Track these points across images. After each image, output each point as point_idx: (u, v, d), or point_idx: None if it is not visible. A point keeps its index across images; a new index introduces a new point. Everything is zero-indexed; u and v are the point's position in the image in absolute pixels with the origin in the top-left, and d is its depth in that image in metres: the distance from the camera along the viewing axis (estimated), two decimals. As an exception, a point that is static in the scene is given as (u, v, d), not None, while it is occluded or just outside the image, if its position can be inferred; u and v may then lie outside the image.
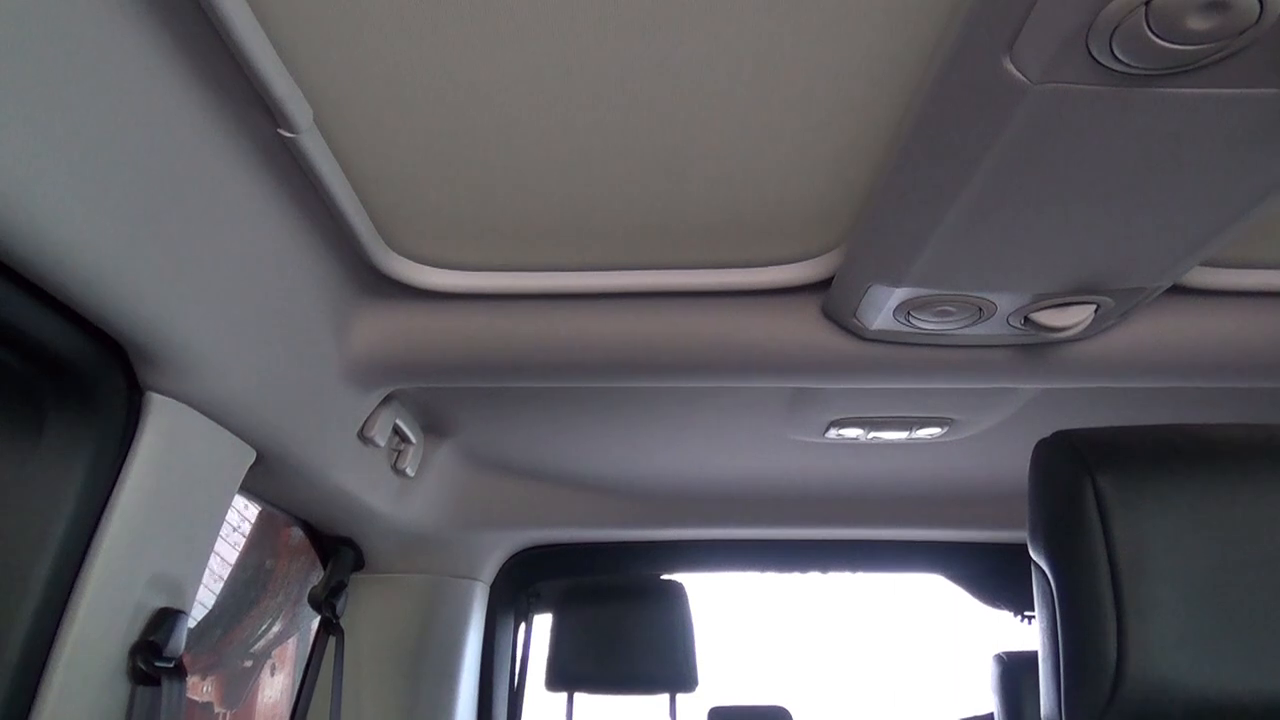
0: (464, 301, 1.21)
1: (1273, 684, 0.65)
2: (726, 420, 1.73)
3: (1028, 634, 2.57)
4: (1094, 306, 1.10)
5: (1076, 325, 1.12)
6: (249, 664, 3.16)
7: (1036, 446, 0.77)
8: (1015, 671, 2.12)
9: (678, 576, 2.17)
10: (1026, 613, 2.56)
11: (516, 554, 2.43)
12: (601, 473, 2.07)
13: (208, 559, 1.19)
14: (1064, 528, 0.71)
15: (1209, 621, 0.66)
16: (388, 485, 1.65)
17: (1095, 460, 0.71)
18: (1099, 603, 0.68)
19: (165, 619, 1.05)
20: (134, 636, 1.02)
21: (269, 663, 3.42)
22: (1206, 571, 0.67)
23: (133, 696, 1.02)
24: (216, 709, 3.12)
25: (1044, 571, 0.74)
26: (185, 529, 1.09)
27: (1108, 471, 0.70)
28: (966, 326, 1.16)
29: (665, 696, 2.05)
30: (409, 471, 1.66)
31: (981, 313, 1.12)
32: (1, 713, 0.89)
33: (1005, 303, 1.09)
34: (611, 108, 0.86)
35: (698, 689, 2.02)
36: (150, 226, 0.83)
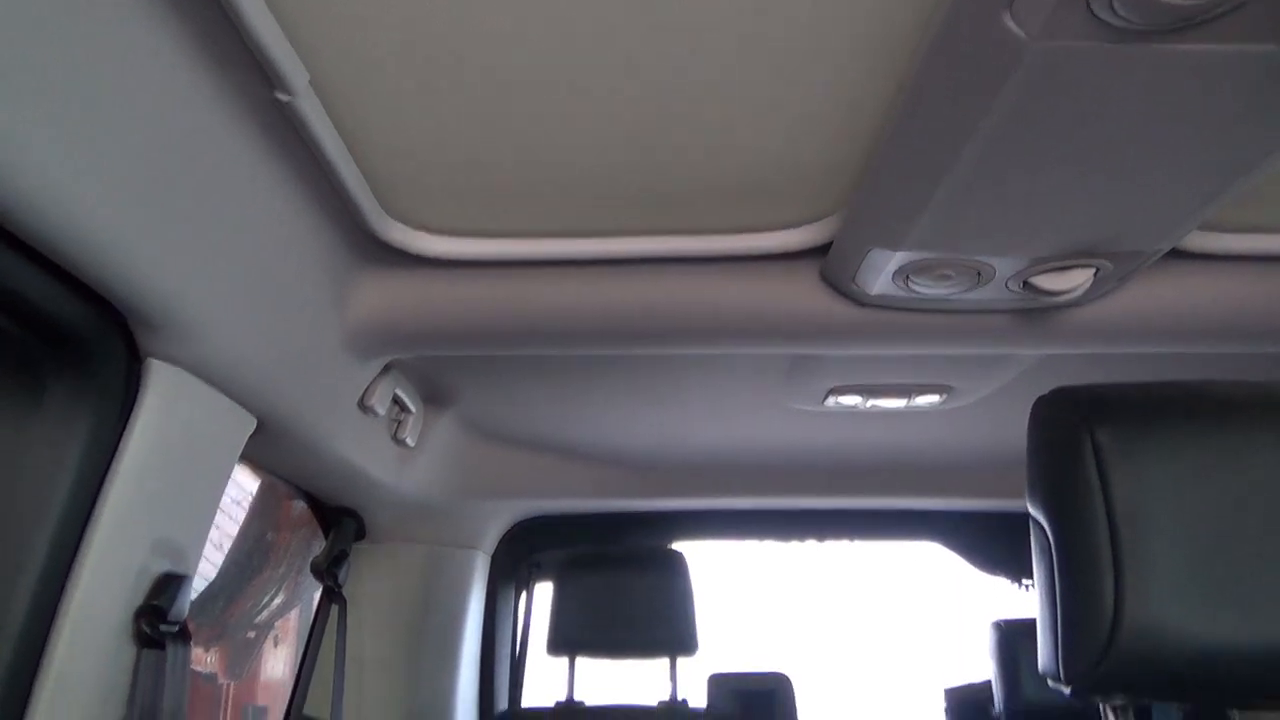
0: (462, 269, 1.21)
1: (1266, 633, 0.66)
2: (726, 389, 1.73)
3: (1025, 602, 2.59)
4: (1093, 270, 1.10)
5: (1075, 289, 1.12)
6: (252, 635, 3.19)
7: (1036, 403, 0.78)
8: (1013, 638, 2.15)
9: (677, 546, 2.19)
10: (1024, 580, 2.58)
11: (517, 524, 2.44)
12: (601, 443, 2.08)
13: (210, 525, 1.20)
14: (1063, 482, 0.72)
15: (1205, 572, 0.67)
16: (388, 455, 1.66)
17: (1094, 415, 0.72)
18: (1097, 555, 0.69)
19: (169, 583, 1.06)
20: (138, 600, 1.02)
21: (272, 635, 3.45)
22: (1203, 523, 0.68)
23: (138, 659, 1.03)
24: (220, 679, 3.15)
25: (1042, 526, 0.74)
26: (187, 495, 1.09)
27: (1106, 426, 0.71)
28: (965, 291, 1.16)
29: (666, 661, 2.06)
30: (409, 441, 1.66)
31: (980, 277, 1.12)
32: (9, 676, 0.90)
33: (1004, 266, 1.09)
34: (609, 71, 0.86)
35: (698, 654, 2.03)
36: (147, 191, 0.82)
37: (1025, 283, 1.13)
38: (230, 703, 3.17)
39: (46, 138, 0.71)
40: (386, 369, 1.47)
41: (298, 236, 1.08)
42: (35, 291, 0.84)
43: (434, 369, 1.63)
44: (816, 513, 2.50)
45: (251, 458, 1.40)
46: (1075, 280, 1.11)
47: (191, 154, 0.86)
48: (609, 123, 0.94)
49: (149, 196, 0.83)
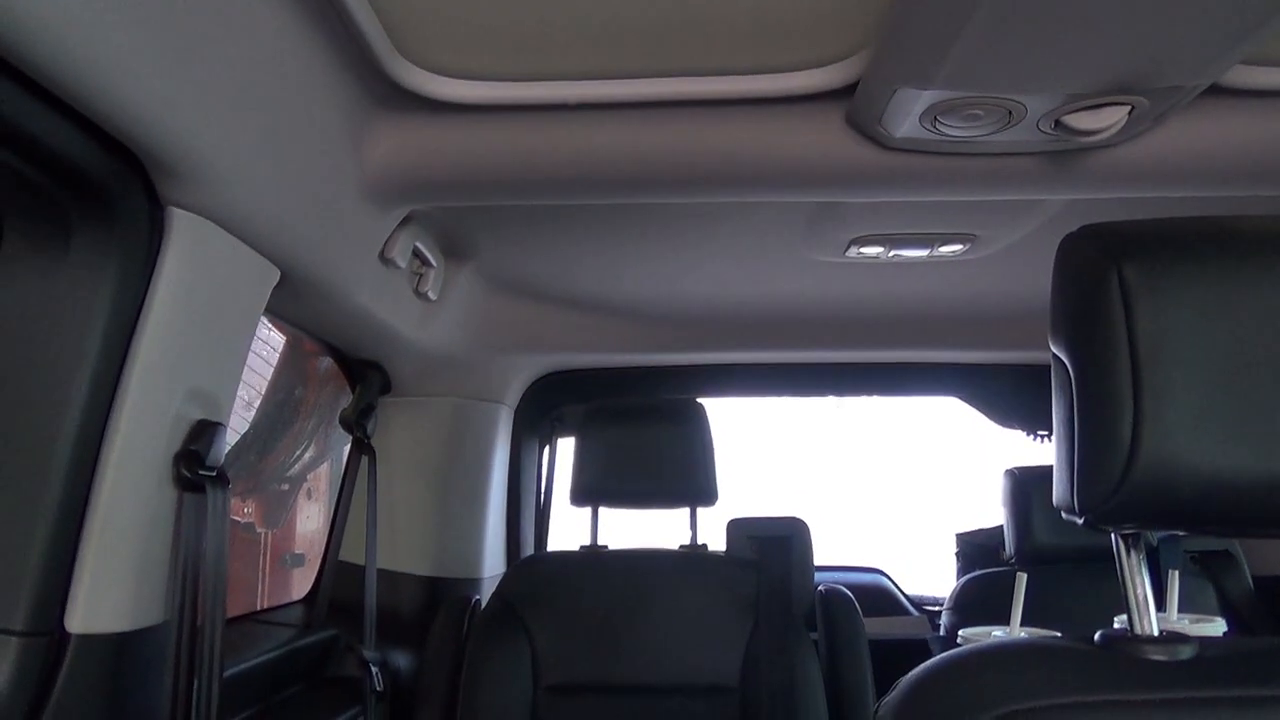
0: (479, 114, 1.19)
1: (1276, 466, 0.67)
2: (746, 240, 1.72)
3: (1036, 454, 2.64)
4: (1128, 108, 1.07)
5: (1110, 128, 1.08)
6: (285, 487, 3.30)
7: (1063, 241, 0.77)
8: (1025, 485, 2.19)
9: (697, 399, 2.22)
10: (1039, 431, 2.61)
11: (539, 378, 2.48)
12: (621, 297, 2.08)
13: (240, 375, 1.22)
14: (1087, 316, 0.71)
15: (1224, 404, 0.67)
16: (410, 308, 1.67)
17: (1121, 249, 0.71)
18: (1117, 386, 0.69)
19: (204, 430, 1.09)
20: (176, 445, 1.06)
21: (305, 488, 3.57)
22: (1225, 357, 0.68)
23: (180, 502, 1.08)
24: (258, 529, 3.28)
25: (1064, 364, 0.74)
26: (216, 344, 1.11)
27: (1133, 260, 0.70)
28: (995, 133, 1.13)
29: (686, 511, 2.13)
30: (431, 295, 1.67)
31: (1011, 116, 1.09)
32: (59, 521, 0.94)
33: (1036, 105, 1.06)
34: None
35: (717, 504, 2.09)
36: (159, 31, 0.80)
37: (1057, 122, 1.10)
38: (270, 551, 3.31)
39: None
40: (406, 221, 1.46)
41: (312, 81, 1.06)
42: (54, 137, 0.84)
43: (454, 221, 1.62)
44: (836, 367, 2.52)
45: (276, 310, 1.41)
46: (1110, 119, 1.07)
47: None
48: None
49: (160, 38, 0.81)
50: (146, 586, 1.03)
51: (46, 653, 0.93)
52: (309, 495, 3.60)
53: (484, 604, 1.96)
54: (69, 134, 0.84)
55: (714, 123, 1.19)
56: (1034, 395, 2.48)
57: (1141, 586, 0.78)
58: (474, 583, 2.22)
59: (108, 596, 0.98)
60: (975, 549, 2.61)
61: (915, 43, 0.97)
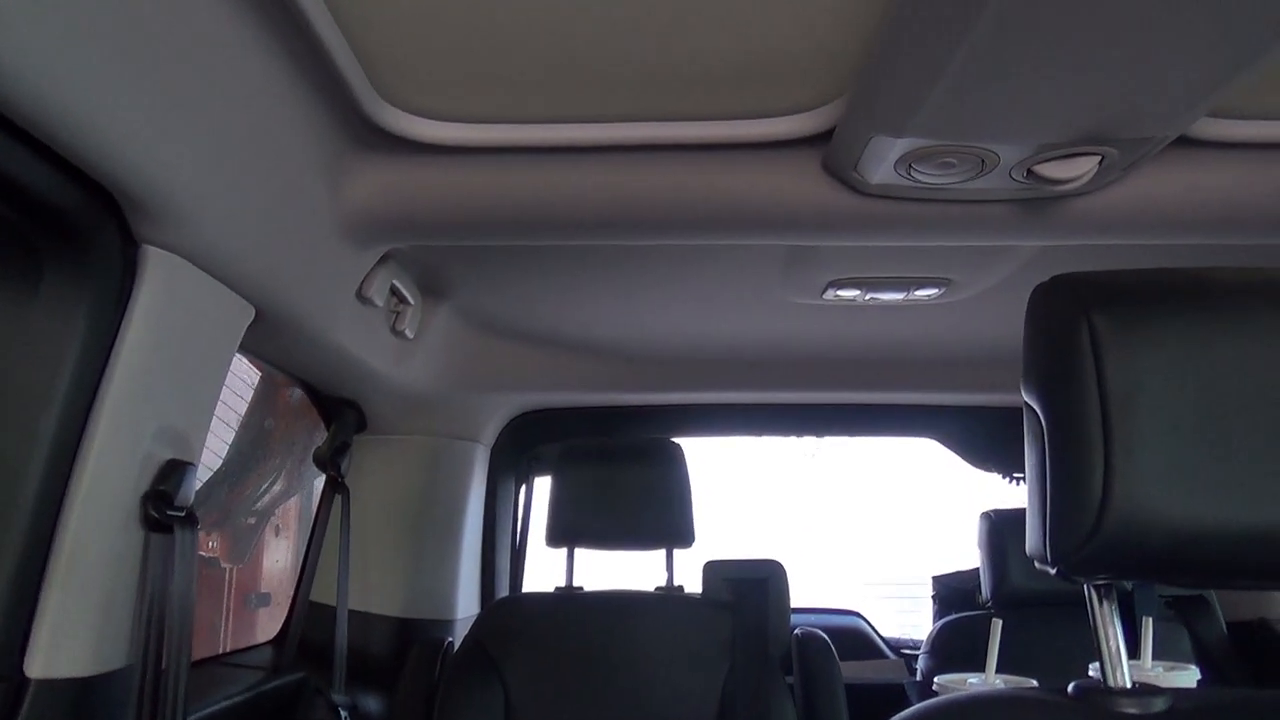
0: (458, 155, 1.19)
1: (1249, 516, 0.67)
2: (724, 281, 1.73)
3: (1012, 496, 2.64)
4: (1099, 158, 1.09)
5: (1080, 177, 1.10)
6: (252, 521, 3.26)
7: (1034, 290, 0.78)
8: (1001, 528, 2.19)
9: (674, 440, 2.22)
10: (1014, 474, 2.62)
11: (516, 417, 2.47)
12: (599, 336, 2.08)
13: (211, 414, 1.21)
14: (1058, 365, 0.72)
15: (1195, 456, 0.68)
16: (387, 346, 1.66)
17: (1091, 299, 0.72)
18: (1088, 436, 0.69)
19: (174, 470, 1.07)
20: (144, 485, 1.04)
21: (273, 524, 3.53)
22: (1195, 407, 0.68)
23: (147, 543, 1.06)
24: (222, 564, 3.23)
25: (1035, 412, 0.75)
26: (189, 383, 1.10)
27: (1103, 311, 0.71)
28: (969, 180, 1.15)
29: (662, 551, 2.11)
30: (408, 333, 1.67)
31: (984, 165, 1.10)
32: (22, 561, 0.92)
33: (1008, 154, 1.08)
34: None
35: (694, 545, 2.08)
36: (133, 68, 0.80)
37: (1029, 171, 1.11)
38: (234, 590, 3.25)
39: (31, 16, 0.69)
40: (384, 259, 1.46)
41: (290, 120, 1.06)
42: (27, 174, 0.83)
43: (432, 260, 1.62)
44: (813, 407, 2.52)
45: (250, 348, 1.40)
46: (1081, 169, 1.09)
47: (178, 31, 0.84)
48: (608, 3, 0.91)
49: (135, 74, 0.81)
50: (110, 629, 1.01)
51: (5, 698, 0.91)
52: (276, 532, 3.56)
53: (457, 646, 1.93)
54: (43, 171, 0.84)
55: (692, 166, 1.20)
56: (1010, 437, 2.49)
57: (1114, 638, 0.78)
58: (447, 624, 2.19)
59: (70, 640, 0.96)
60: (951, 592, 2.60)
61: (890, 92, 0.99)
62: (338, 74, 1.01)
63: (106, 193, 0.91)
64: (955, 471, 2.66)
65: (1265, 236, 1.25)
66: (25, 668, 0.93)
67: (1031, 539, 0.76)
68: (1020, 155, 1.08)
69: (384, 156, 1.21)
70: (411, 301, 1.64)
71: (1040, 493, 0.74)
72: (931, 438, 2.61)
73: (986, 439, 2.54)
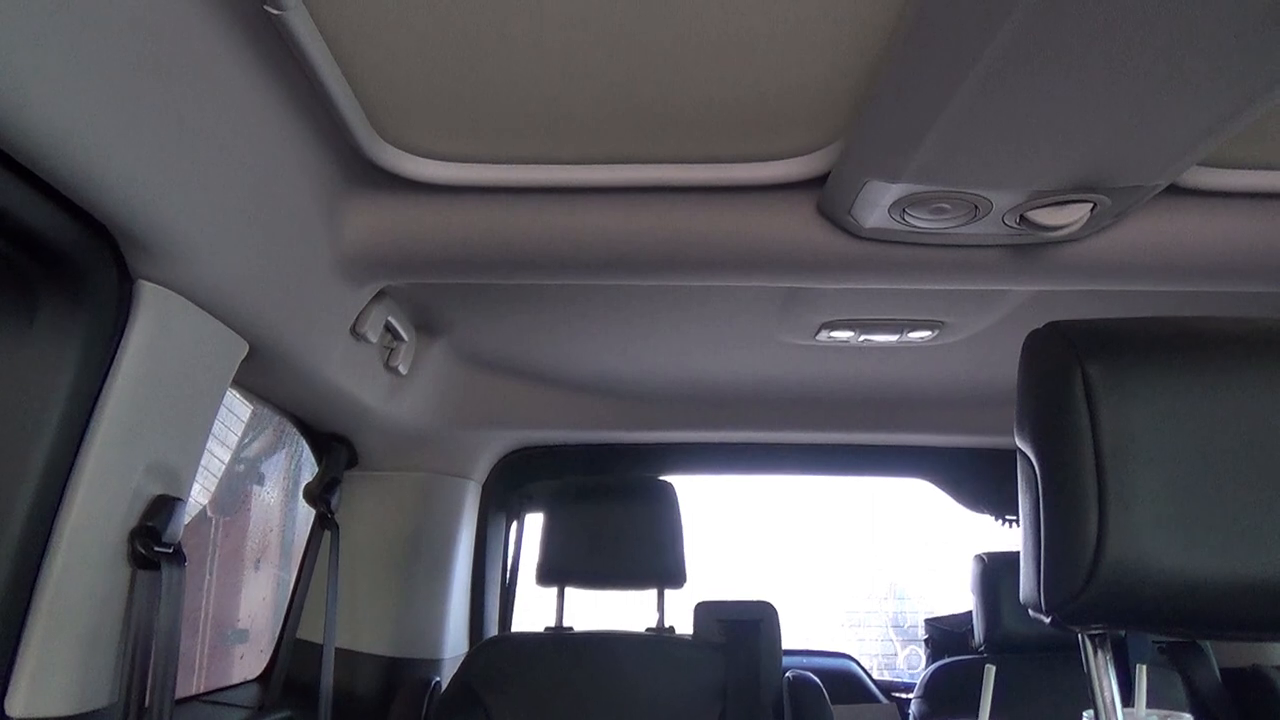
0: (455, 194, 1.20)
1: (1241, 568, 0.67)
2: (718, 321, 1.73)
3: (1006, 538, 2.63)
4: (1090, 205, 1.10)
5: (1072, 224, 1.11)
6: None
7: (1028, 337, 0.78)
8: (995, 571, 2.18)
9: (667, 478, 2.21)
10: (1007, 516, 2.62)
11: (508, 454, 2.46)
12: (593, 374, 2.08)
13: (203, 449, 1.20)
14: (1051, 414, 0.72)
15: (1187, 507, 0.68)
16: (380, 382, 1.66)
17: (1085, 347, 0.72)
18: (1082, 486, 0.69)
19: (163, 505, 1.06)
20: (132, 521, 1.03)
21: (254, 558, 3.49)
22: (1189, 458, 0.68)
23: (133, 580, 1.05)
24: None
25: (1029, 459, 0.75)
26: (180, 418, 1.10)
27: (1097, 359, 0.71)
28: (962, 225, 1.15)
29: (654, 591, 2.10)
30: (401, 369, 1.66)
31: (977, 210, 1.11)
32: (6, 596, 0.91)
33: (1001, 200, 1.09)
34: None
35: (685, 585, 2.06)
36: (134, 107, 0.81)
37: (1022, 217, 1.12)
38: (209, 624, 3.18)
39: (32, 51, 0.69)
40: (379, 296, 1.46)
41: (288, 158, 1.07)
42: (24, 208, 0.83)
43: (427, 297, 1.62)
44: (807, 447, 2.52)
45: (243, 382, 1.40)
46: (1072, 215, 1.10)
47: (179, 69, 0.84)
48: (606, 47, 0.92)
49: (134, 111, 0.81)
50: (94, 667, 1.00)
51: None
52: (257, 566, 3.51)
53: (444, 686, 1.91)
54: (40, 206, 0.84)
55: (688, 208, 1.21)
56: (1002, 480, 2.49)
57: (1108, 688, 0.77)
58: (435, 664, 2.16)
59: (53, 678, 0.95)
60: (945, 635, 2.58)
61: (885, 138, 1.00)
62: (337, 113, 1.01)
63: (103, 228, 0.91)
64: (952, 510, 2.66)
65: (1256, 285, 1.26)
66: (7, 707, 0.91)
67: (1025, 587, 0.76)
68: (1013, 201, 1.09)
69: (381, 195, 1.21)
70: (406, 338, 1.64)
71: (1034, 541, 0.74)
72: (924, 479, 2.60)
73: (979, 481, 2.54)
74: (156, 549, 1.05)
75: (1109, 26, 0.75)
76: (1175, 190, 1.14)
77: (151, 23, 0.79)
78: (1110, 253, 1.22)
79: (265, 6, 0.83)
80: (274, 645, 1.92)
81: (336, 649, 1.83)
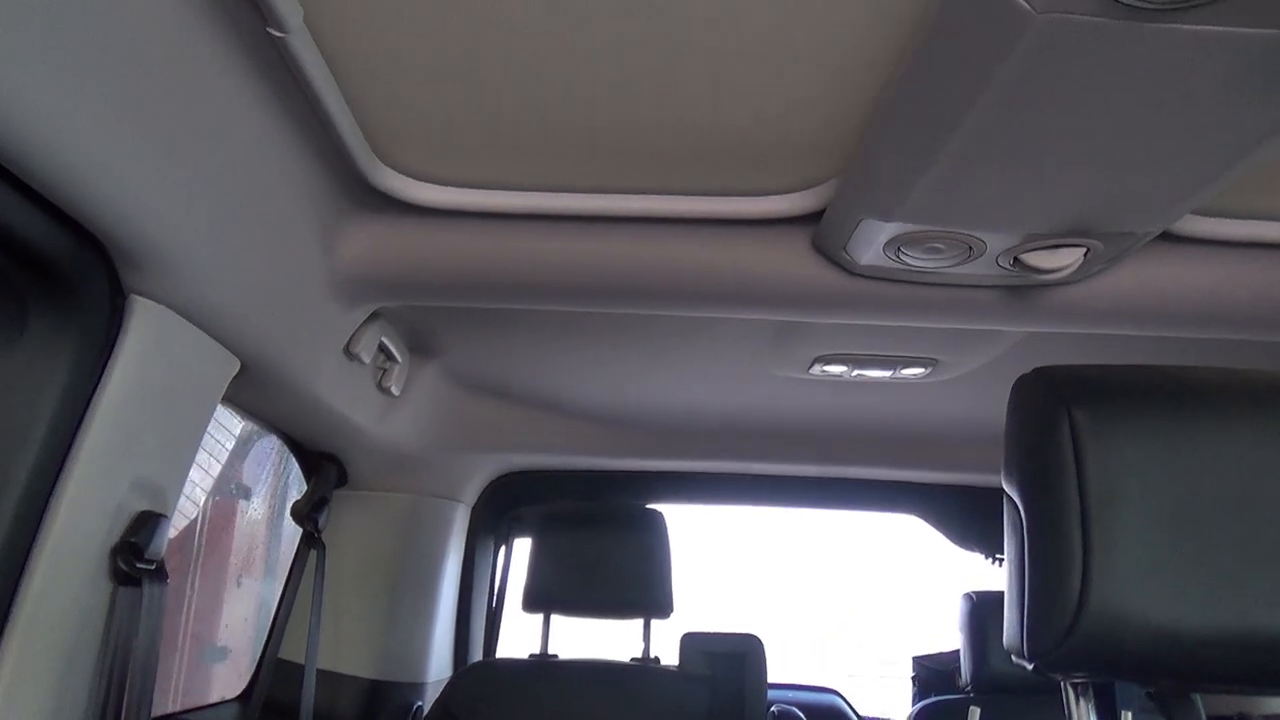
0: (453, 218, 1.20)
1: (1229, 619, 0.67)
2: (711, 352, 1.73)
3: (996, 577, 2.62)
4: (1083, 250, 1.10)
5: (1065, 268, 1.12)
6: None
7: (1016, 382, 0.78)
8: (983, 610, 2.17)
9: (657, 507, 2.20)
10: (997, 555, 2.61)
11: (499, 478, 2.45)
12: (586, 400, 2.08)
13: (190, 466, 1.19)
14: (1038, 460, 0.72)
15: (1172, 557, 0.68)
16: (372, 403, 1.65)
17: (1072, 395, 0.72)
18: (1067, 533, 0.69)
19: (147, 522, 1.06)
20: (115, 537, 1.03)
21: (235, 575, 3.46)
22: (1174, 508, 0.68)
23: (114, 596, 1.04)
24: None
25: (1015, 503, 0.75)
26: (168, 434, 1.09)
27: (1084, 406, 0.71)
28: (956, 265, 1.16)
29: (640, 621, 2.08)
30: (394, 390, 1.66)
31: (971, 251, 1.12)
32: None
33: (995, 242, 1.09)
34: (609, 25, 0.85)
35: (672, 615, 2.05)
36: (133, 122, 0.81)
37: (1016, 259, 1.13)
38: (188, 641, 3.13)
39: (31, 63, 0.69)
40: (373, 316, 1.46)
41: (287, 178, 1.07)
42: (19, 220, 0.83)
43: (421, 319, 1.62)
44: (797, 480, 2.52)
45: (234, 400, 1.39)
46: (1065, 259, 1.11)
47: (179, 86, 0.85)
48: (607, 78, 0.93)
49: (134, 127, 0.81)
50: (71, 684, 0.99)
51: None
52: (238, 583, 3.48)
53: (426, 710, 1.89)
54: (35, 218, 0.84)
55: (684, 240, 1.21)
56: (992, 517, 2.48)
57: None
58: (418, 687, 2.14)
59: (28, 695, 0.93)
60: (932, 673, 2.57)
61: (881, 177, 1.00)
62: (336, 134, 1.02)
63: (97, 241, 0.91)
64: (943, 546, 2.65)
65: (1246, 333, 1.27)
66: None
67: (1009, 632, 0.76)
68: (1007, 244, 1.09)
69: (378, 216, 1.22)
70: (399, 359, 1.64)
71: (1019, 586, 0.74)
72: (914, 515, 2.59)
73: (969, 518, 2.53)
74: (139, 565, 1.04)
75: (1102, 78, 0.76)
76: (1168, 237, 1.15)
77: (153, 39, 0.79)
78: (1103, 297, 1.22)
79: (269, 29, 0.84)
80: (255, 664, 1.90)
81: (319, 670, 1.81)
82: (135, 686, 1.05)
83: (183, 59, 0.83)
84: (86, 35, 0.73)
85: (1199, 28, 0.69)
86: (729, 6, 0.81)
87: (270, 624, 1.91)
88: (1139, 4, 0.67)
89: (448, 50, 0.90)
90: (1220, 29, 0.69)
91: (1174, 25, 0.69)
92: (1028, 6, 0.69)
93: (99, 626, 1.02)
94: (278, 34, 0.84)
